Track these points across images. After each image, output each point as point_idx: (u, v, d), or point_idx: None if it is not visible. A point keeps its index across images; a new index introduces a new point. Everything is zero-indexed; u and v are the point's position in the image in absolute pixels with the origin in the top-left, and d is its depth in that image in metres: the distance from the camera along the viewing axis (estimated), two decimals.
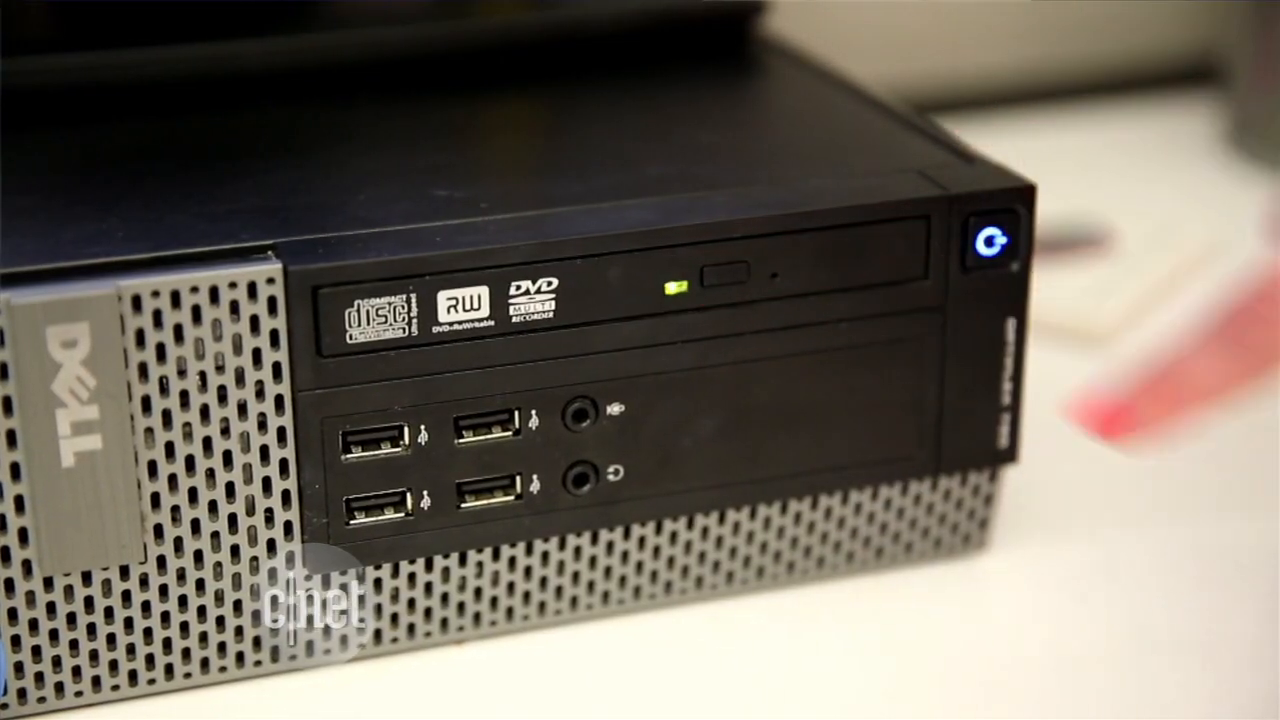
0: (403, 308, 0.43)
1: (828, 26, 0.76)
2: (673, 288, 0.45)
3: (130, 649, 0.45)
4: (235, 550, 0.45)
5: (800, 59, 0.61)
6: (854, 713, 0.46)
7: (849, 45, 0.73)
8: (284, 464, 0.44)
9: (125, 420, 0.42)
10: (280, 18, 0.59)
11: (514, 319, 0.44)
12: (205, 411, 0.43)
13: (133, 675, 0.45)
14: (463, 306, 0.43)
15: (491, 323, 0.44)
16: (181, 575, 0.44)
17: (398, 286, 0.43)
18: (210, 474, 0.44)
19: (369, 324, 0.43)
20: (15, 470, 0.42)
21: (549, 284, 0.44)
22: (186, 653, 0.45)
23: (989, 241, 0.48)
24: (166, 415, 0.43)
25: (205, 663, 0.46)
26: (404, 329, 0.43)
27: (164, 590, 0.44)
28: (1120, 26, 0.89)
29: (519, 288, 0.44)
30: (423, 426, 0.45)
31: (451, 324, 0.43)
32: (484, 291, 0.43)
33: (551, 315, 0.44)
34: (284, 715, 0.46)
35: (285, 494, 0.44)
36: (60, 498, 0.42)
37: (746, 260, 0.46)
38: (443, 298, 0.43)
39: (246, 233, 0.44)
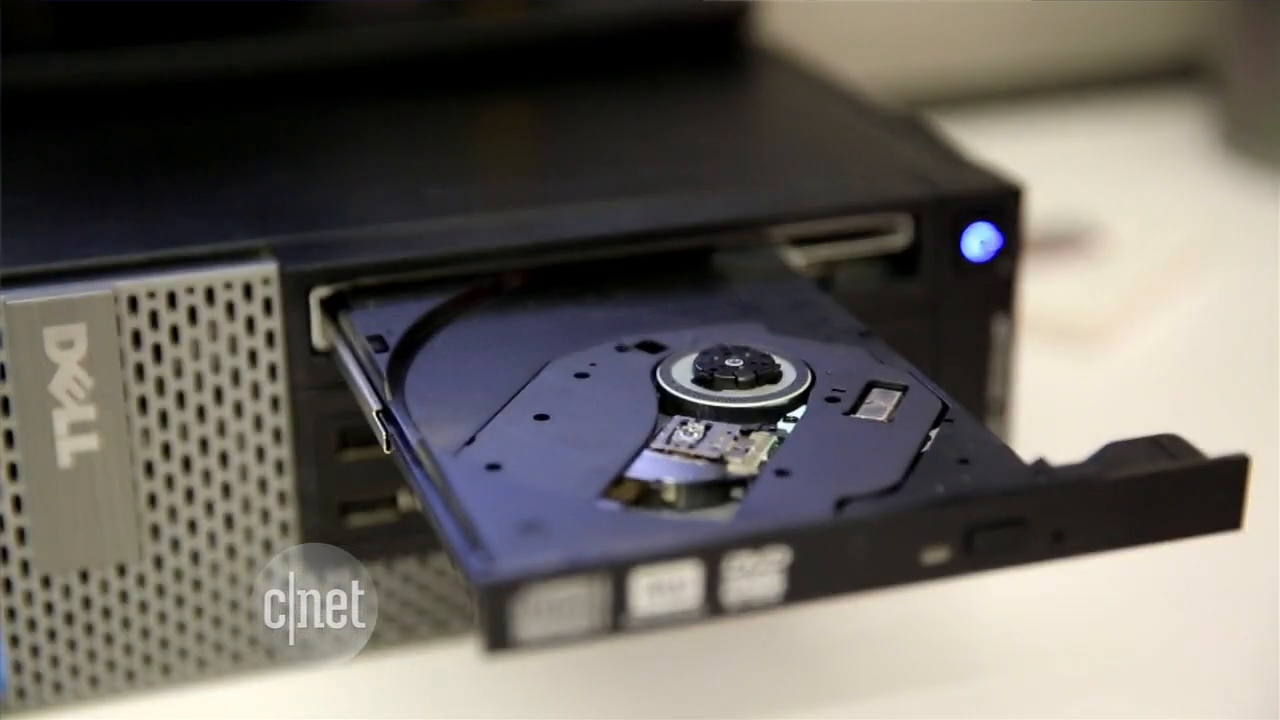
0: (588, 596, 0.33)
1: (822, 25, 0.76)
2: (930, 557, 0.36)
3: (127, 648, 0.45)
4: (232, 550, 0.45)
5: (791, 60, 0.61)
6: (844, 712, 0.46)
7: (843, 43, 0.73)
8: (280, 463, 0.44)
9: (122, 420, 0.42)
10: (276, 19, 0.59)
11: (729, 603, 0.34)
12: (201, 411, 0.43)
13: (130, 674, 0.45)
14: (664, 591, 0.34)
15: (703, 609, 0.34)
16: (178, 575, 0.44)
17: (582, 572, 0.33)
18: (206, 474, 0.44)
19: (543, 619, 0.33)
20: (13, 470, 0.42)
21: (776, 558, 0.34)
22: (183, 652, 0.45)
23: (980, 241, 0.48)
24: (163, 415, 0.43)
25: (202, 662, 0.46)
26: (589, 622, 0.33)
27: (161, 589, 0.44)
28: (1111, 25, 0.89)
29: (738, 564, 0.34)
30: None
31: (649, 612, 0.34)
32: (693, 571, 0.34)
33: (778, 596, 0.34)
34: (281, 715, 0.46)
35: (281, 493, 0.45)
36: (57, 497, 0.42)
37: (1024, 518, 0.36)
38: (640, 581, 0.33)
39: (242, 233, 0.44)
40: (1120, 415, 0.61)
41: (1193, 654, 0.48)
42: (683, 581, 0.34)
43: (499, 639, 0.33)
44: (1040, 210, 0.51)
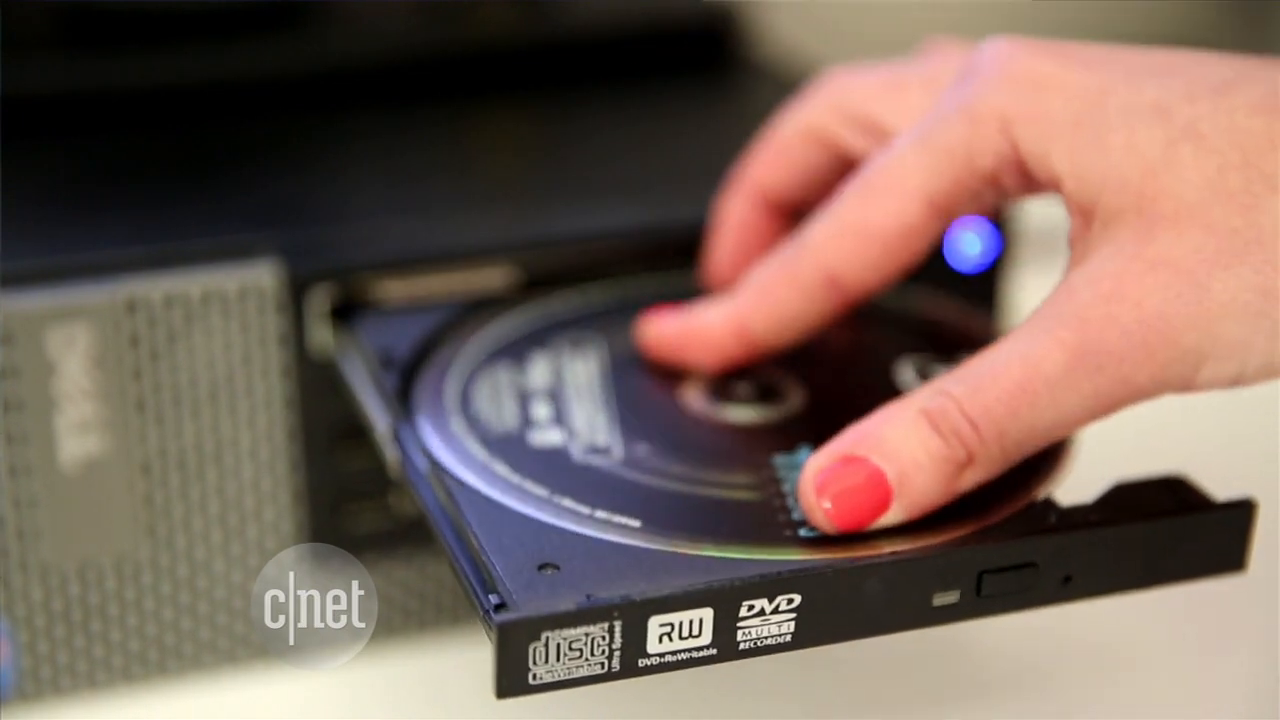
0: (603, 639, 0.33)
1: (825, 25, 0.76)
2: (940, 599, 0.36)
3: (127, 648, 0.45)
4: (233, 551, 0.45)
5: (781, 68, 0.61)
6: (843, 710, 0.46)
7: (846, 43, 0.74)
8: (281, 464, 0.44)
9: (123, 421, 0.43)
10: (279, 26, 0.59)
11: (741, 645, 0.34)
12: (202, 412, 0.43)
13: (129, 673, 0.45)
14: (678, 634, 0.34)
15: (714, 651, 0.34)
16: (179, 575, 0.45)
17: (597, 615, 0.33)
18: (207, 474, 0.44)
19: (559, 661, 0.33)
20: (14, 471, 0.42)
21: (789, 601, 0.34)
22: (183, 652, 0.46)
23: (972, 247, 0.48)
24: (164, 416, 0.43)
25: (202, 662, 0.46)
26: (603, 664, 0.34)
27: (161, 591, 0.45)
28: (1110, 26, 0.90)
29: (751, 608, 0.34)
30: None
31: (662, 654, 0.34)
32: (707, 615, 0.34)
33: (790, 639, 0.35)
34: (281, 715, 0.46)
35: (283, 494, 0.45)
36: (58, 498, 0.43)
37: (1035, 562, 0.36)
38: (654, 624, 0.34)
39: (245, 234, 0.44)
40: (1122, 436, 0.61)
41: (1196, 667, 0.48)
42: (696, 625, 0.34)
43: (515, 681, 0.33)
44: (1037, 214, 0.51)
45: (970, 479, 0.36)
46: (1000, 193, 0.39)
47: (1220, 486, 0.38)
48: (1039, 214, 0.50)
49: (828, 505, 0.36)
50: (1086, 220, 0.37)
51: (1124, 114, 0.36)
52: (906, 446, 0.36)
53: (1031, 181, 0.38)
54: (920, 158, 0.38)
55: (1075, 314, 0.35)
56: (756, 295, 0.41)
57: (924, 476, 0.36)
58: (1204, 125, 0.35)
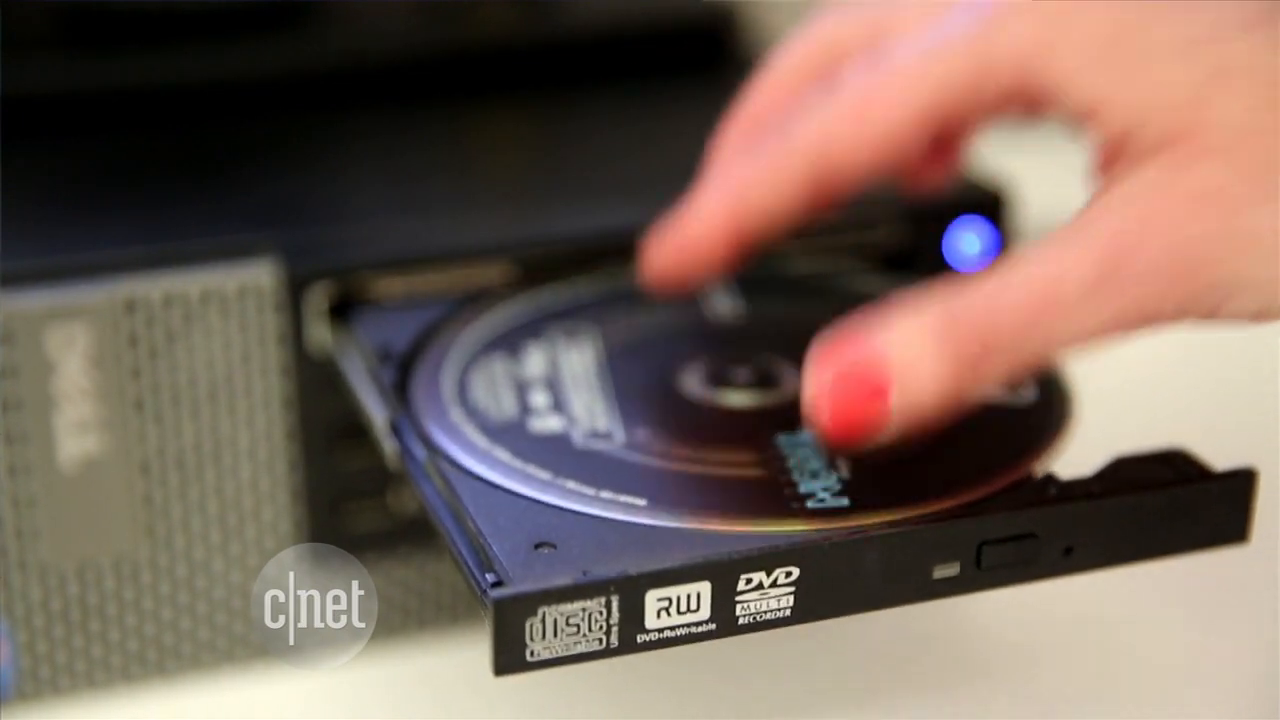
0: (600, 614, 0.33)
1: None
2: (940, 572, 0.36)
3: (126, 648, 0.45)
4: (232, 551, 0.45)
5: None
6: (846, 705, 0.46)
7: None
8: (280, 464, 0.44)
9: (122, 420, 0.43)
10: (279, 26, 0.59)
11: (740, 620, 0.34)
12: (201, 412, 0.43)
13: (128, 673, 0.45)
14: (676, 609, 0.34)
15: (713, 626, 0.34)
16: (178, 575, 0.45)
17: (594, 590, 0.33)
18: (206, 474, 0.44)
19: (557, 637, 0.33)
20: (13, 470, 0.42)
21: (787, 575, 0.34)
22: (183, 652, 0.46)
23: (972, 246, 0.48)
24: (162, 415, 0.43)
25: (202, 662, 0.46)
26: (601, 640, 0.33)
27: (160, 590, 0.45)
28: None
29: (749, 582, 0.34)
30: None
31: (660, 629, 0.34)
32: (705, 589, 0.34)
33: (789, 613, 0.35)
34: (282, 715, 0.46)
35: (282, 494, 0.45)
36: (58, 498, 0.43)
37: (1035, 533, 0.36)
38: (651, 599, 0.34)
39: (244, 233, 0.44)
40: (1121, 413, 0.61)
41: (1198, 638, 0.48)
42: (694, 599, 0.34)
43: (512, 659, 0.33)
44: (1040, 210, 0.51)
45: (976, 389, 0.35)
46: (1002, 116, 0.38)
47: (1222, 461, 0.38)
48: (1039, 214, 0.50)
49: (826, 415, 0.35)
50: (1115, 151, 0.36)
51: (1158, 48, 0.36)
52: (911, 351, 0.35)
53: (1039, 109, 0.37)
54: (928, 65, 0.38)
55: (1105, 232, 0.35)
56: (746, 179, 0.41)
57: (928, 382, 0.35)
58: (1234, 61, 0.35)
